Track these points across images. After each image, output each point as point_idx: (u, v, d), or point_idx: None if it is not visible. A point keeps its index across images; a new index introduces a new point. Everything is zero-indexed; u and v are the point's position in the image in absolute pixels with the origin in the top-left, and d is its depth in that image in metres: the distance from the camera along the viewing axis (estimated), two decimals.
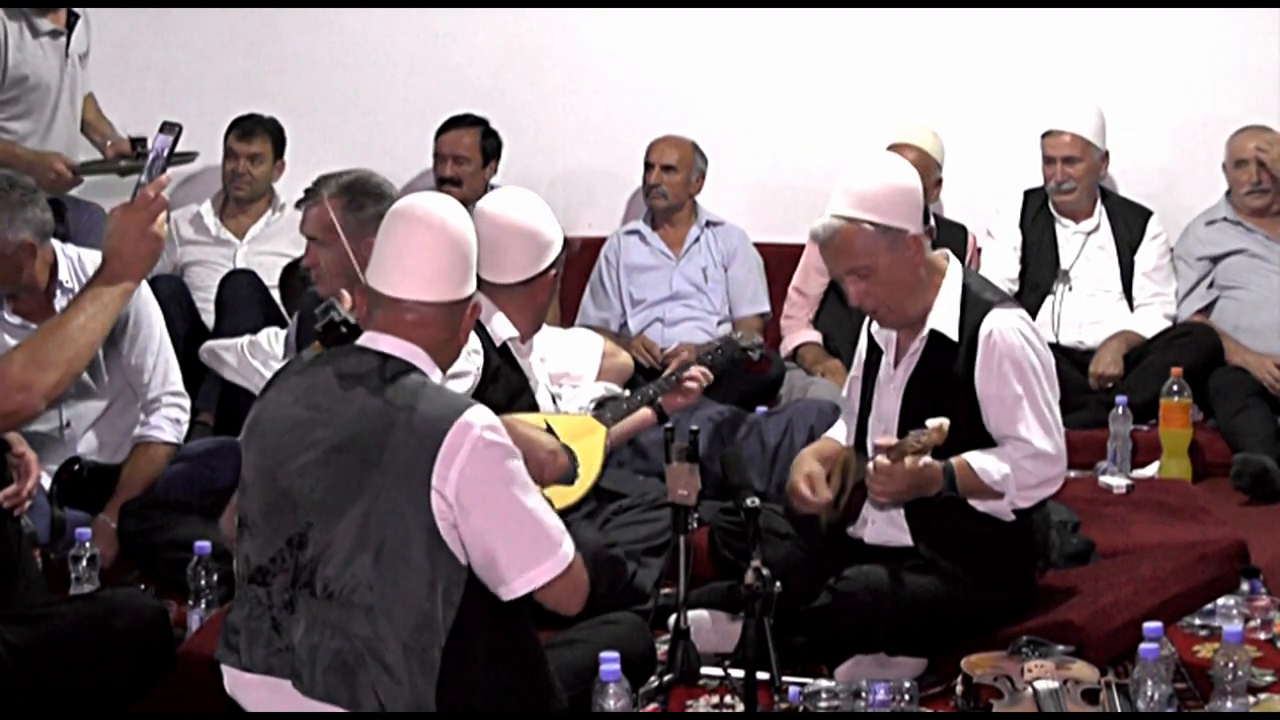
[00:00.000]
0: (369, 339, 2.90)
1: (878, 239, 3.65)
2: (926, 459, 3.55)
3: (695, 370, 4.37)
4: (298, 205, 4.09)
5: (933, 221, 5.88)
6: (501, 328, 4.05)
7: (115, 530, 4.28)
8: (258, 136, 6.02)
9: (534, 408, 4.05)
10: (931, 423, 3.48)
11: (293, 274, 5.51)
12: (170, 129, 3.14)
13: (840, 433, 4.02)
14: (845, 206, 3.67)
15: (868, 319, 3.92)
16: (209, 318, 5.67)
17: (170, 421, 4.49)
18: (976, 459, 3.64)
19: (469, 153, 6.03)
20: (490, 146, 6.08)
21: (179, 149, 3.22)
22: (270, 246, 5.97)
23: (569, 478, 3.52)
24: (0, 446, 3.65)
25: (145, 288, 4.54)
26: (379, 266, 2.92)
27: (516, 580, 2.81)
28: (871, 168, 3.75)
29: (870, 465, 3.61)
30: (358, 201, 3.95)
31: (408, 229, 2.90)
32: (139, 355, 4.48)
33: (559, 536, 2.86)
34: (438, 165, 6.07)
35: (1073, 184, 5.78)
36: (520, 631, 2.89)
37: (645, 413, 4.33)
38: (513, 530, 2.80)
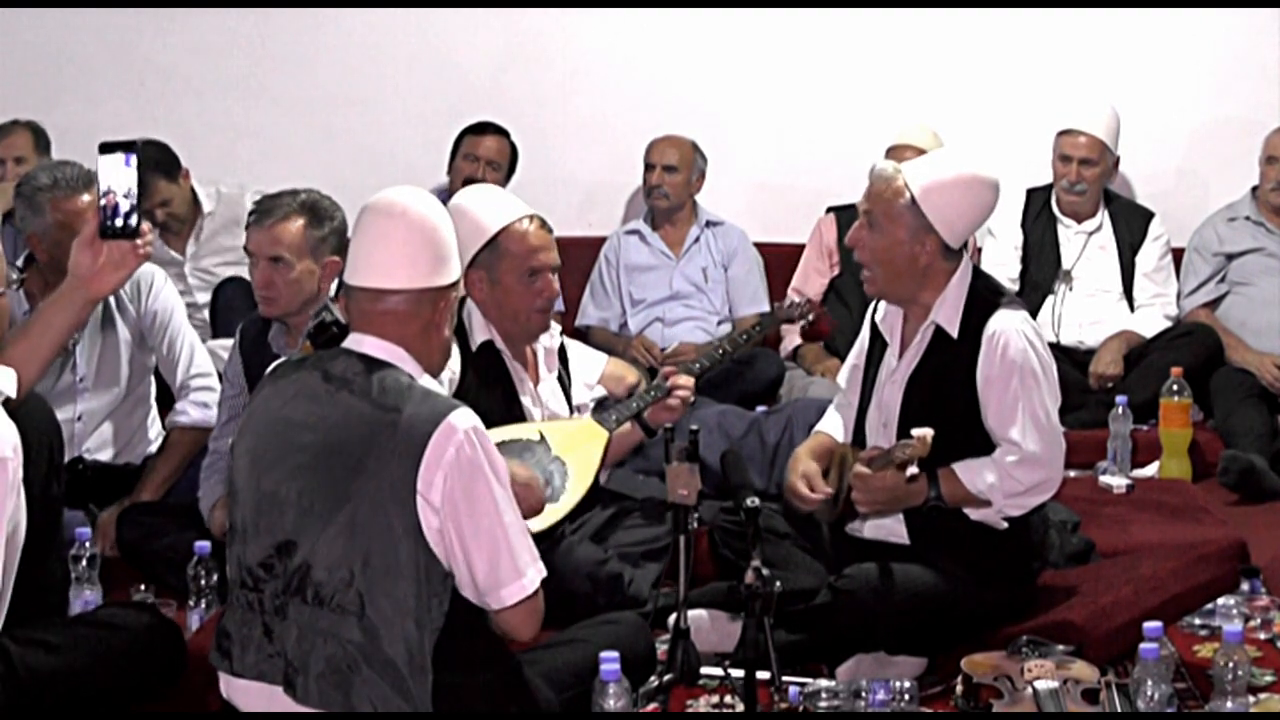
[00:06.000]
0: (353, 341, 2.90)
1: (905, 214, 3.66)
2: (912, 470, 3.55)
3: (681, 380, 4.09)
4: (247, 226, 4.11)
5: None
6: (480, 330, 4.00)
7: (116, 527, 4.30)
8: (156, 192, 5.50)
9: (520, 413, 3.97)
10: (916, 433, 3.46)
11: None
12: (124, 149, 3.05)
13: (830, 423, 4.00)
14: (916, 171, 3.69)
15: (871, 311, 3.92)
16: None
17: (197, 405, 4.49)
18: (962, 469, 3.64)
19: (501, 159, 6.02)
20: (514, 159, 6.08)
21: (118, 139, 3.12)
22: (208, 262, 5.75)
23: (538, 511, 3.48)
24: None
25: (167, 279, 4.59)
26: (352, 263, 2.93)
27: (489, 595, 2.81)
28: (960, 168, 3.71)
29: (851, 475, 3.60)
30: (319, 219, 4.05)
31: (373, 220, 2.91)
32: (169, 344, 4.54)
33: (531, 558, 2.85)
34: (467, 166, 5.99)
35: (1085, 186, 5.76)
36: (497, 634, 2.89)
37: (627, 429, 4.08)
38: (492, 542, 2.78)
